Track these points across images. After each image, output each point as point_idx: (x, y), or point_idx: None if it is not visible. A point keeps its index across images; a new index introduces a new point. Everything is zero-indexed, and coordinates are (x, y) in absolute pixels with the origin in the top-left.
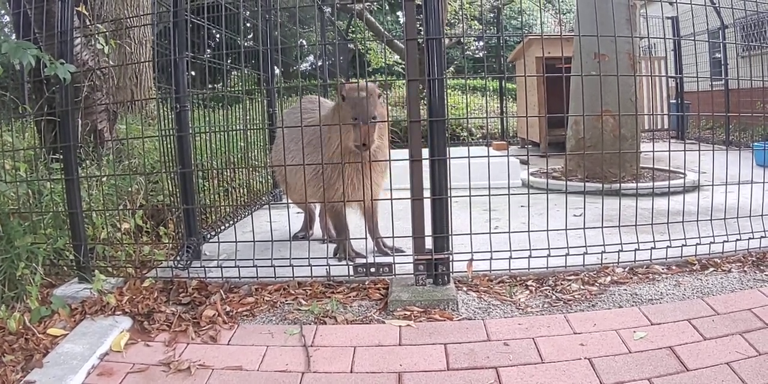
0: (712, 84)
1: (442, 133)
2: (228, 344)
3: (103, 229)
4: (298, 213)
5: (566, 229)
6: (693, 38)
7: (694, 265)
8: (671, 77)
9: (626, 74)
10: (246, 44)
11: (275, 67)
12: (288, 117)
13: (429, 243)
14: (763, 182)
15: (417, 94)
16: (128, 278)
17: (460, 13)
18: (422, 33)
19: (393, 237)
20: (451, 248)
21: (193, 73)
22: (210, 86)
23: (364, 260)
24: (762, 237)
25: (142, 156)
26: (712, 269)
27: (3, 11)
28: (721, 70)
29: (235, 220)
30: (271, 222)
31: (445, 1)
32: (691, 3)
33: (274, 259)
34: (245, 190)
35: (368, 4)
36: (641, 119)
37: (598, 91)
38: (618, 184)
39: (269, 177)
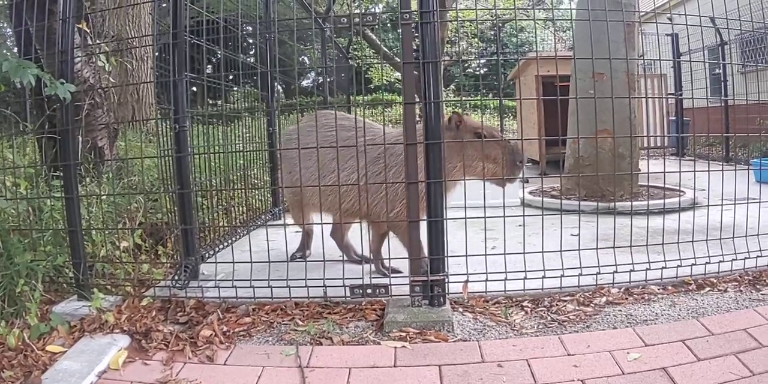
0: (708, 101)
1: (438, 155)
2: (224, 364)
3: (103, 246)
4: (297, 232)
5: (561, 251)
6: (689, 59)
7: (690, 285)
8: (669, 96)
9: (624, 96)
10: (247, 61)
11: (276, 85)
12: (303, 133)
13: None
14: (759, 201)
15: (413, 117)
16: (127, 296)
17: (460, 31)
18: (419, 53)
19: (389, 258)
20: (447, 270)
21: (194, 88)
22: (211, 102)
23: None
24: (758, 256)
25: (142, 174)
26: (708, 289)
27: (6, 24)
28: (720, 87)
29: (234, 239)
30: (268, 242)
31: (446, 20)
32: (686, 23)
33: (272, 280)
34: (244, 208)
35: (373, 24)
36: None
37: (596, 110)
38: (618, 203)
39: (268, 195)
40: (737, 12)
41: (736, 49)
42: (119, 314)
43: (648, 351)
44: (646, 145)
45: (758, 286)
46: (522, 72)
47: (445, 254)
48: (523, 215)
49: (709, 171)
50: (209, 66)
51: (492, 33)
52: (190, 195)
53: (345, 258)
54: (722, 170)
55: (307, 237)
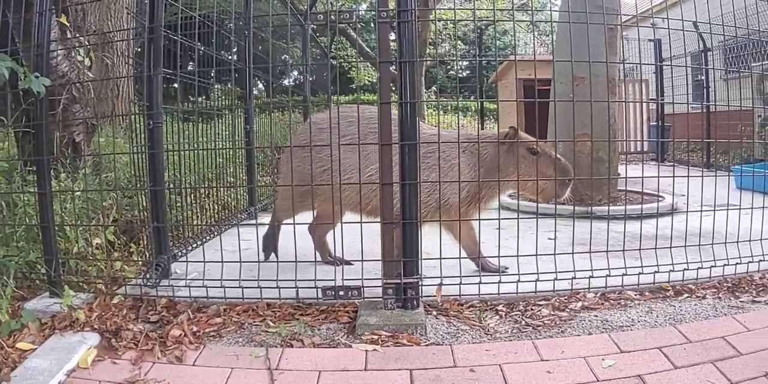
0: (688, 108)
1: (413, 156)
2: (193, 365)
3: (76, 243)
4: None
5: (536, 255)
6: (671, 63)
7: (668, 291)
8: (650, 101)
9: (604, 99)
10: (228, 58)
11: (258, 82)
12: (342, 124)
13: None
14: (740, 208)
15: (389, 117)
16: (98, 294)
17: (443, 33)
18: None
19: (362, 260)
20: (420, 272)
21: (176, 85)
22: (192, 99)
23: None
24: (737, 263)
25: (117, 170)
26: (686, 295)
27: None
28: (703, 93)
29: (207, 238)
30: (240, 241)
31: (428, 21)
32: (668, 27)
33: (243, 280)
34: (220, 207)
35: (351, 21)
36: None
37: (575, 114)
38: (596, 208)
39: (245, 194)
40: (721, 18)
41: (719, 55)
42: (90, 312)
43: (623, 358)
44: (626, 150)
45: (737, 293)
46: (503, 75)
47: (419, 257)
48: (499, 218)
49: (688, 176)
50: (191, 63)
51: (474, 35)
52: (164, 192)
53: (319, 258)
54: (702, 176)
55: (274, 237)
